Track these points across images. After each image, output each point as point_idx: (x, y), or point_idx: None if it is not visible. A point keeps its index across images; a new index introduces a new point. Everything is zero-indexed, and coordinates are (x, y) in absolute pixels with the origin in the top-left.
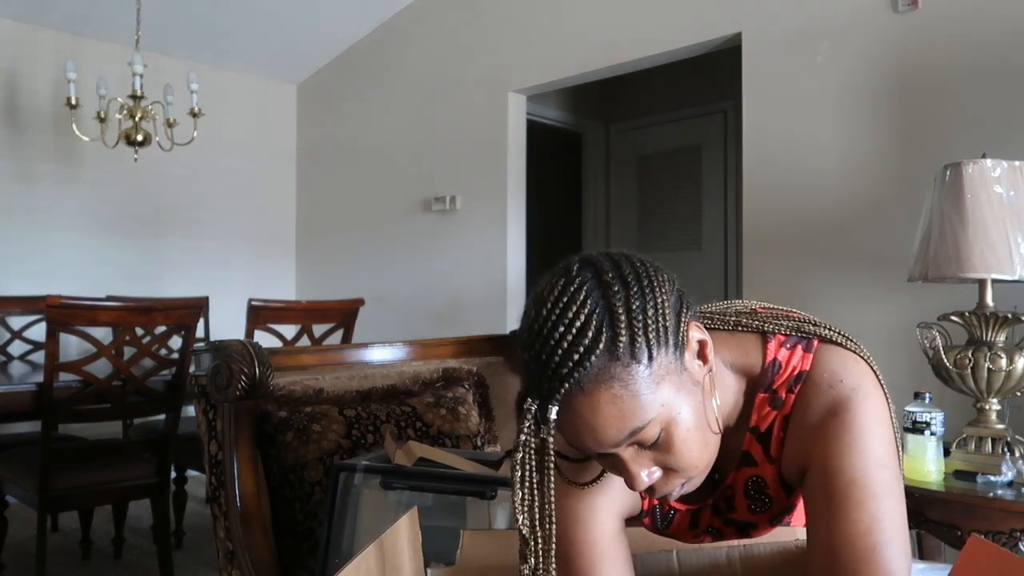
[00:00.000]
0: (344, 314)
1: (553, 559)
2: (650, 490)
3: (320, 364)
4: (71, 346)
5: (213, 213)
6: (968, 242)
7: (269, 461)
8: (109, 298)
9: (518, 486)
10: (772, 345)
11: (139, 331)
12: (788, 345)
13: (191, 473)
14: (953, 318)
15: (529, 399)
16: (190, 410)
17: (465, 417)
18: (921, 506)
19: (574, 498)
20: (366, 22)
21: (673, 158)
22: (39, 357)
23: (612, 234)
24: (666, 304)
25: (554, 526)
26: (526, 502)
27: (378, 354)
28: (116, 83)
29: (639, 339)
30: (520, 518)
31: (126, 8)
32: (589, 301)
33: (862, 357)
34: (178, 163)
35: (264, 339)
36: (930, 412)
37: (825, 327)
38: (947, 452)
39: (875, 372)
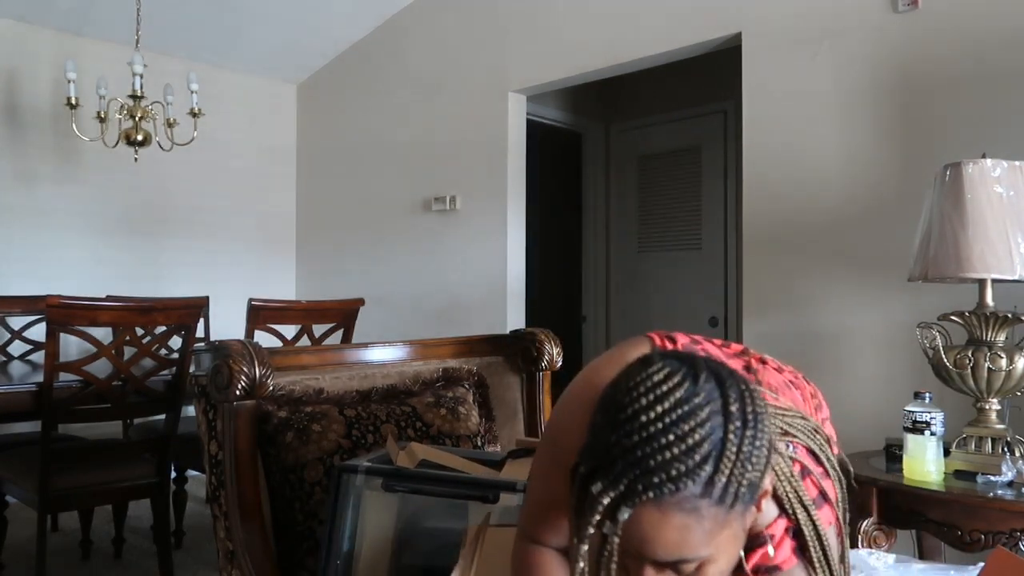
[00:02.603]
0: (344, 314)
1: None
2: None
3: (320, 364)
4: (71, 346)
5: (213, 213)
6: (968, 242)
7: (269, 461)
8: (109, 298)
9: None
10: (780, 522)
11: (139, 331)
12: (789, 532)
13: (191, 473)
14: (953, 318)
15: (601, 485)
16: (190, 410)
17: (465, 417)
18: (921, 506)
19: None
20: (366, 22)
21: (673, 158)
22: (39, 357)
23: (612, 234)
24: (768, 458)
25: None
26: None
27: (378, 354)
28: (116, 83)
29: (732, 486)
30: None
31: (126, 8)
32: (708, 425)
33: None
34: (178, 163)
35: (264, 339)
36: (930, 412)
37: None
38: (947, 452)
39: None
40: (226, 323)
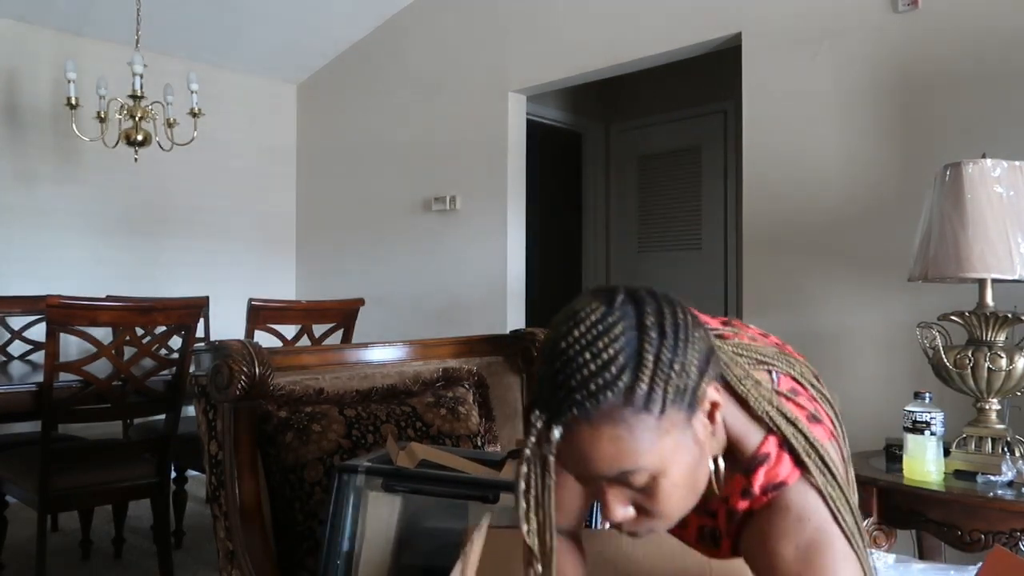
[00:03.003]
0: (344, 314)
1: (555, 568)
2: (618, 524)
3: (320, 364)
4: (71, 346)
5: (213, 213)
6: (968, 242)
7: (269, 461)
8: (109, 298)
9: (523, 498)
10: (771, 440)
11: (139, 331)
12: (783, 447)
13: (191, 473)
14: (953, 318)
15: (536, 411)
16: (190, 410)
17: (465, 417)
18: (921, 506)
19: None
20: (366, 22)
21: (673, 158)
22: (39, 357)
23: (612, 234)
24: (693, 364)
25: (555, 538)
26: (531, 514)
27: (378, 354)
28: (116, 83)
29: (657, 392)
30: (524, 527)
31: (126, 8)
32: (623, 339)
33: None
34: (178, 163)
35: (264, 339)
36: (930, 412)
37: (817, 446)
38: (947, 452)
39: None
40: (226, 323)
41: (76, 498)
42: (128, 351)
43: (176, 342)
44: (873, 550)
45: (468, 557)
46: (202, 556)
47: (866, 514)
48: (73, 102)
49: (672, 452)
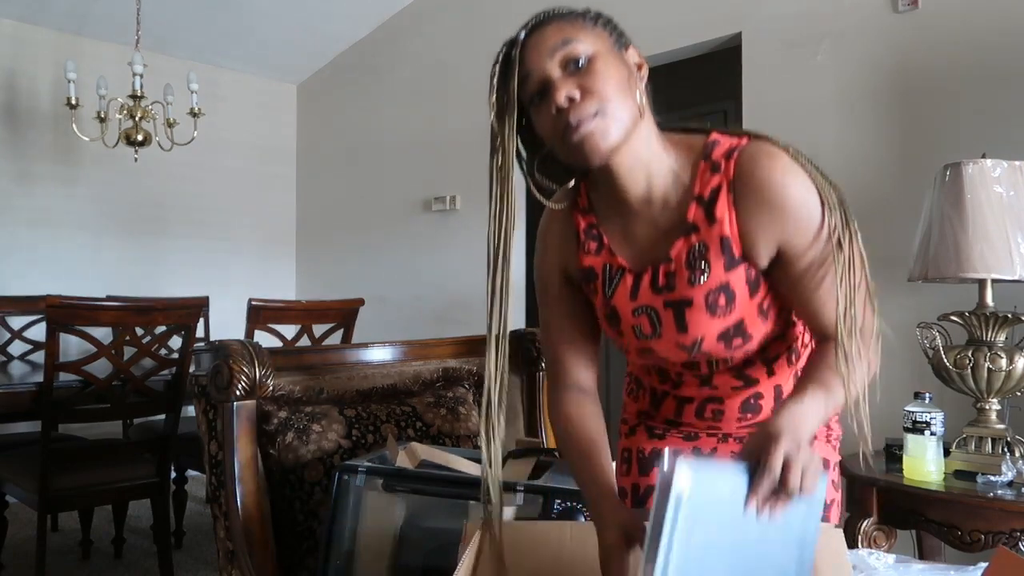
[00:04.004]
0: (344, 314)
1: (510, 277)
2: (568, 113)
3: (320, 364)
4: (71, 346)
5: (213, 213)
6: (968, 242)
7: (269, 461)
8: (109, 298)
9: (493, 198)
10: (714, 133)
11: (139, 331)
12: (725, 134)
13: (191, 473)
14: (953, 318)
15: (499, 56)
16: (190, 410)
17: (465, 417)
18: (921, 506)
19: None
20: (366, 22)
21: None
22: (39, 357)
23: None
24: (624, 31)
25: (513, 234)
26: (495, 211)
27: (378, 354)
28: (116, 83)
29: (595, 16)
30: (491, 226)
31: (126, 8)
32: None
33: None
34: (178, 163)
35: (264, 339)
36: (930, 412)
37: None
38: (947, 452)
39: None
40: (226, 323)
41: (76, 498)
42: (128, 351)
43: (176, 342)
44: (873, 550)
45: (470, 556)
46: (202, 556)
47: (866, 514)
48: (73, 102)
49: (607, 55)
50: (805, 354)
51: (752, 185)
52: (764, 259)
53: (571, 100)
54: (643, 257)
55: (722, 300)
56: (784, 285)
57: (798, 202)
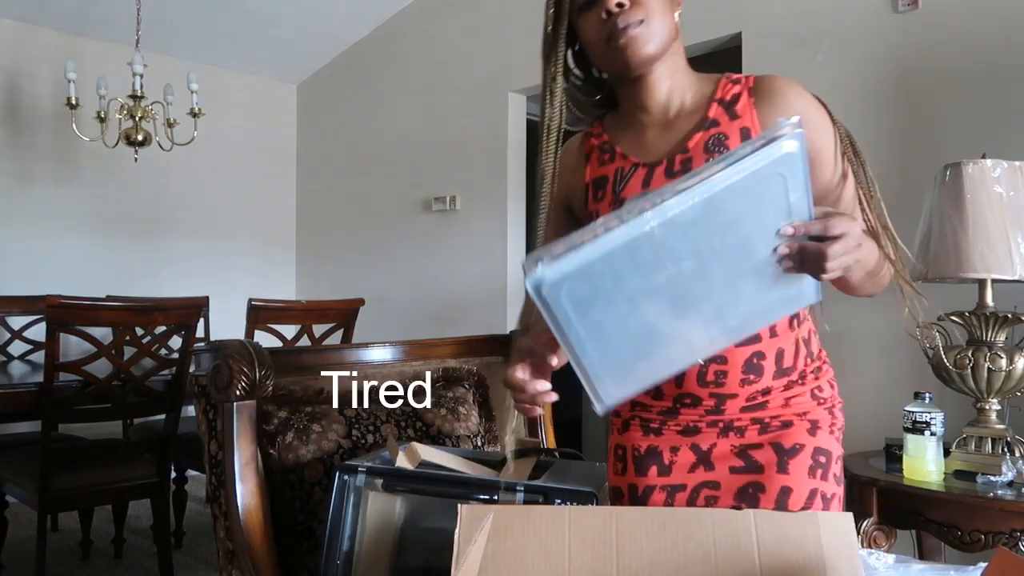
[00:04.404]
0: (344, 314)
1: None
2: (616, 18)
3: (320, 364)
4: (71, 346)
5: (213, 213)
6: (968, 242)
7: (269, 461)
8: (109, 298)
9: (545, 103)
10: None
11: (139, 331)
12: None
13: (191, 473)
14: (953, 318)
15: None
16: (190, 410)
17: (465, 417)
18: (921, 506)
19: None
20: (366, 22)
21: None
22: (39, 357)
23: None
24: None
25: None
26: (547, 117)
27: (378, 354)
28: (116, 83)
29: None
30: (542, 124)
31: (126, 8)
32: None
33: None
34: (178, 163)
35: (264, 339)
36: (930, 412)
37: None
38: (947, 452)
39: None
40: (226, 323)
41: (76, 498)
42: (128, 351)
43: (176, 342)
44: (873, 550)
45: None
46: (202, 556)
47: (866, 514)
48: (73, 102)
49: None
50: (806, 324)
51: (772, 88)
52: None
53: (620, 6)
54: (657, 153)
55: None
56: None
57: (814, 104)
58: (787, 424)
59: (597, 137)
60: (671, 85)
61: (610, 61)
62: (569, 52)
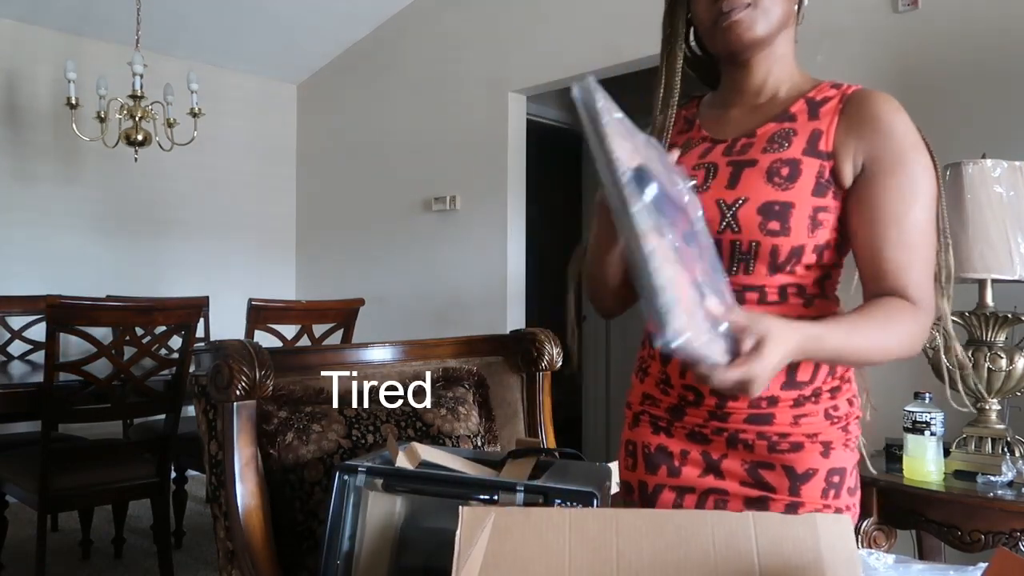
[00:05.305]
0: (344, 314)
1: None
2: (724, 0)
3: (320, 364)
4: (71, 346)
5: (213, 213)
6: (968, 242)
7: (269, 461)
8: (109, 298)
9: (661, 72)
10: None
11: (139, 331)
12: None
13: (191, 473)
14: (953, 318)
15: None
16: (190, 410)
17: (465, 417)
18: (921, 506)
19: None
20: (366, 22)
21: None
22: (39, 357)
23: None
24: None
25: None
26: (663, 81)
27: (378, 354)
28: (116, 83)
29: None
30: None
31: (126, 8)
32: None
33: None
34: (178, 163)
35: (264, 339)
36: (930, 412)
37: None
38: (947, 452)
39: None
40: (226, 323)
41: (76, 498)
42: (128, 351)
43: (176, 342)
44: (873, 550)
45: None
46: (202, 556)
47: (866, 514)
48: (73, 102)
49: None
50: (815, 314)
51: (866, 102)
52: (847, 165)
53: None
54: (727, 131)
55: (785, 171)
56: (857, 216)
57: (902, 128)
58: (797, 447)
59: (687, 109)
60: (770, 72)
61: (714, 42)
62: (691, 30)
